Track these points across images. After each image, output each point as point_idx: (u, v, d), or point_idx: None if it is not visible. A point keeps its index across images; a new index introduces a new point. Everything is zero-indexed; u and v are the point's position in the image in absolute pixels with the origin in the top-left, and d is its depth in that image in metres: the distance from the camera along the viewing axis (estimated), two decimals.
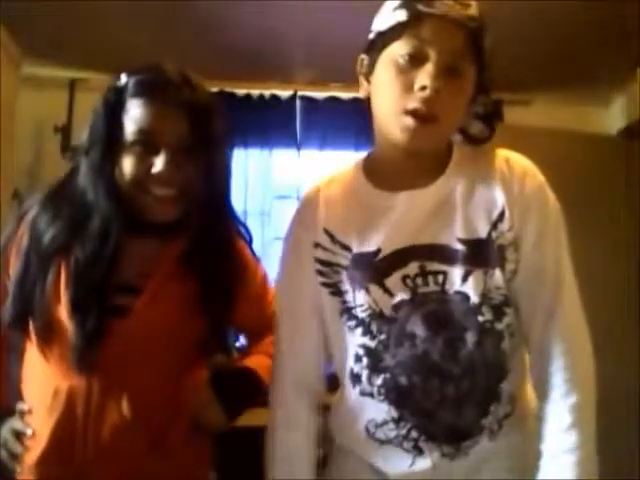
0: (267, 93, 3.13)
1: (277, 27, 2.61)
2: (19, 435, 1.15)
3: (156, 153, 1.10)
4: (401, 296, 1.02)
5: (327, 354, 1.13)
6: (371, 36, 1.07)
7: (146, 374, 1.14)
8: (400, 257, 1.03)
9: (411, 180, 1.07)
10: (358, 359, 1.05)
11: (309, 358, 1.12)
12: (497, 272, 1.02)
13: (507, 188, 1.05)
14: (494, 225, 1.04)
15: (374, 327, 1.03)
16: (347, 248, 1.07)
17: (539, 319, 1.03)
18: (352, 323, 1.05)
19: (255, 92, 3.12)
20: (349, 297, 1.05)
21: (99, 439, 1.10)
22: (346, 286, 1.06)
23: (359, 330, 1.04)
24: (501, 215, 1.04)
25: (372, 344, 1.03)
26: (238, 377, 1.26)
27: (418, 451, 1.02)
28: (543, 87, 3.12)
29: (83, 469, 1.10)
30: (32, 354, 1.17)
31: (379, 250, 1.05)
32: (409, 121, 0.99)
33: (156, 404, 1.14)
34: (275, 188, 3.11)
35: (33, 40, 2.61)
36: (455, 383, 1.00)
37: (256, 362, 1.27)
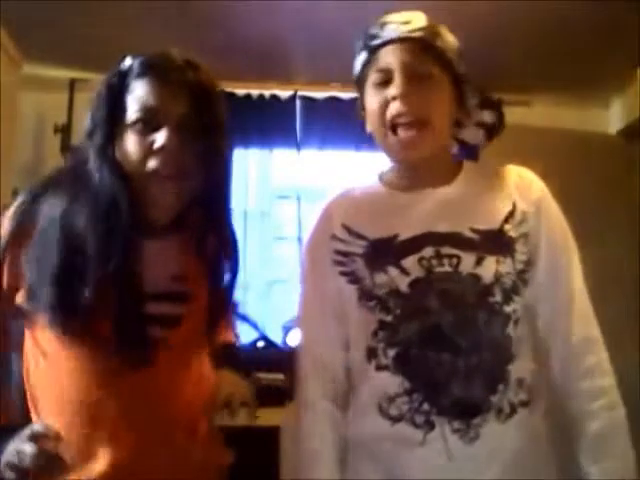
0: (267, 93, 3.13)
1: (277, 27, 2.62)
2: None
3: (157, 130, 1.09)
4: (416, 274, 1.10)
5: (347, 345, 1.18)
6: (354, 83, 1.24)
7: (185, 374, 1.15)
8: (416, 242, 1.12)
9: (425, 184, 1.18)
10: (375, 334, 1.10)
11: (330, 348, 1.17)
12: (508, 260, 1.12)
13: (518, 190, 1.18)
14: (506, 219, 1.15)
15: (391, 303, 1.10)
16: (363, 237, 1.16)
17: (561, 318, 1.14)
18: (372, 303, 1.12)
19: (255, 92, 3.12)
20: (367, 281, 1.12)
21: (142, 441, 1.09)
22: (362, 272, 1.13)
23: (377, 309, 1.11)
24: (512, 211, 1.15)
25: (388, 319, 1.10)
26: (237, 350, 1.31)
27: (429, 426, 1.05)
28: (543, 87, 3.12)
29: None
30: (54, 354, 1.11)
31: (396, 236, 1.13)
32: (399, 134, 1.12)
33: (192, 401, 1.15)
34: (275, 188, 3.12)
35: (33, 40, 2.61)
36: (465, 357, 1.06)
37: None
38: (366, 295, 1.12)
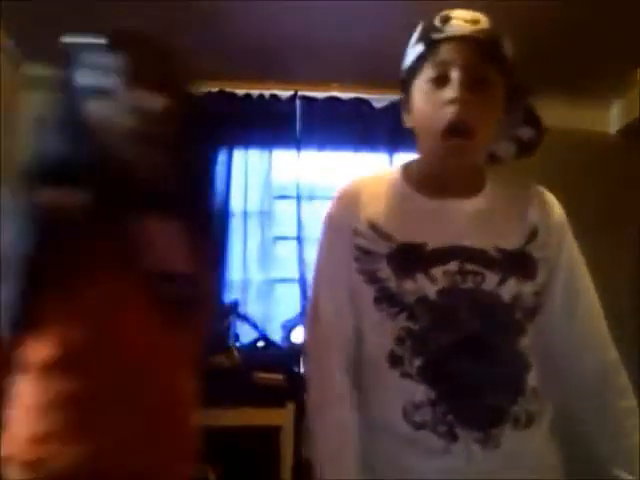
0: (267, 93, 3.13)
1: (277, 27, 2.62)
2: None
3: None
4: (443, 284, 1.07)
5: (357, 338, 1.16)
6: (402, 75, 1.17)
7: None
8: (442, 254, 1.10)
9: (452, 192, 1.14)
10: (400, 341, 1.08)
11: (349, 338, 1.15)
12: (528, 282, 1.11)
13: (540, 212, 1.17)
14: (528, 240, 1.13)
15: (418, 312, 1.07)
16: (389, 238, 1.12)
17: (582, 343, 1.18)
18: (395, 310, 1.09)
19: (255, 92, 3.12)
20: (391, 284, 1.10)
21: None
22: (385, 274, 1.09)
23: (403, 315, 1.08)
24: (534, 233, 1.15)
25: (416, 327, 1.07)
26: None
27: (452, 437, 1.04)
28: (543, 87, 3.11)
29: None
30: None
31: (425, 244, 1.10)
32: (451, 142, 1.07)
33: None
34: (275, 188, 3.11)
35: (33, 40, 2.61)
36: (492, 368, 1.06)
37: None
38: (388, 299, 1.09)
